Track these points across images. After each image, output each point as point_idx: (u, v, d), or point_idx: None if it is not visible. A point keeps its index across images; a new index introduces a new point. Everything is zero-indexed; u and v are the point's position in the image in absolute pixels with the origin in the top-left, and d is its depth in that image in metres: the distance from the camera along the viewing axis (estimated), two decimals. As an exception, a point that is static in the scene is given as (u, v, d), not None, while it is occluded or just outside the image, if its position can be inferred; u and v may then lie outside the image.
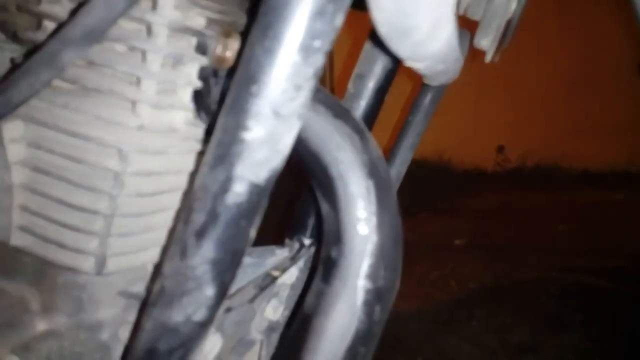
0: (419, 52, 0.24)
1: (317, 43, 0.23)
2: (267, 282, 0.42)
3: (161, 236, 0.35)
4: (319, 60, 0.24)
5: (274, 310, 0.46)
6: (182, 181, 0.34)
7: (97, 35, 0.22)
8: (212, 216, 0.25)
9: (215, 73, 0.32)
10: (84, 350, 0.36)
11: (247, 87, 0.24)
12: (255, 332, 0.44)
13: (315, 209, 0.50)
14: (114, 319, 0.37)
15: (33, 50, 0.30)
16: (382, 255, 0.30)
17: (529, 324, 1.58)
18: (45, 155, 0.29)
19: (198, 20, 0.30)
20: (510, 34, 0.48)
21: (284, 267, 0.44)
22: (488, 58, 0.48)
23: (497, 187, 3.44)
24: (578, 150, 3.21)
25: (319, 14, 0.23)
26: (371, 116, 0.50)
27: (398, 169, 0.60)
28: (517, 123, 3.33)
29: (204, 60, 0.31)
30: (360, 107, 0.49)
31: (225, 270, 0.26)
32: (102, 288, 0.36)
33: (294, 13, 0.22)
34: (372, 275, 0.30)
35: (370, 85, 0.48)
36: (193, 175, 0.35)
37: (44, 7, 0.29)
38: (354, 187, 0.31)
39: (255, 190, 0.25)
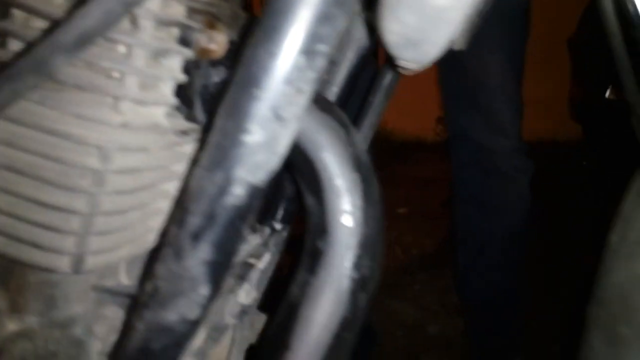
0: (420, 59, 0.25)
1: (321, 47, 0.23)
2: (246, 271, 0.42)
3: (137, 233, 0.34)
4: (322, 63, 0.24)
5: (246, 294, 0.46)
6: (161, 176, 0.33)
7: (90, 40, 0.21)
8: (209, 218, 0.25)
9: (197, 65, 0.31)
10: (59, 348, 0.35)
11: (249, 90, 0.23)
12: (229, 317, 0.45)
13: (285, 195, 0.50)
14: (86, 314, 0.36)
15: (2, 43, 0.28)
16: (366, 246, 0.32)
17: (467, 286, 1.70)
18: (18, 154, 0.27)
19: (181, 11, 0.28)
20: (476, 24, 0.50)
21: (259, 254, 0.45)
22: (457, 46, 0.50)
23: (436, 156, 3.57)
24: (510, 121, 3.39)
25: (324, 18, 0.22)
26: (343, 103, 0.50)
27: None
28: (455, 95, 3.46)
29: (187, 53, 0.30)
30: (332, 93, 0.49)
31: (220, 270, 0.26)
32: (74, 284, 0.35)
33: (300, 17, 0.22)
34: (357, 266, 0.31)
35: (343, 72, 0.48)
36: (170, 170, 0.34)
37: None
38: (339, 181, 0.32)
39: (253, 192, 0.25)
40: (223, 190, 0.24)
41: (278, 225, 0.50)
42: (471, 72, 1.11)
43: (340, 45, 0.47)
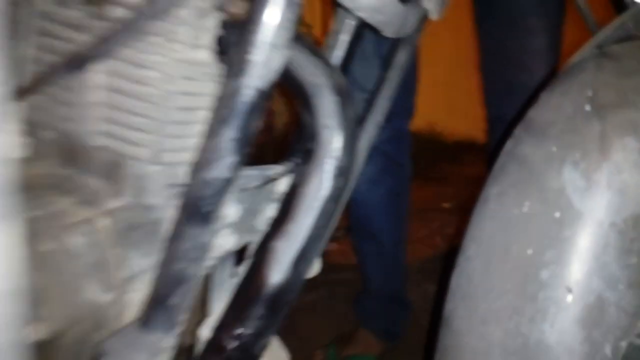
0: (354, 4, 0.39)
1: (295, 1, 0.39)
2: (267, 180, 0.57)
3: (196, 142, 0.51)
4: (295, 10, 0.39)
5: (274, 210, 0.62)
6: (209, 101, 0.50)
7: (164, 14, 0.38)
8: (232, 110, 0.40)
9: (228, 25, 0.48)
10: (142, 222, 0.52)
11: (252, 28, 0.39)
12: (260, 227, 0.60)
13: (303, 137, 0.65)
14: (162, 203, 0.53)
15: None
16: (343, 145, 0.46)
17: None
18: (121, 82, 0.45)
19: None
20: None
21: (279, 174, 0.60)
22: (433, 16, 0.63)
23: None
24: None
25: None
26: (345, 62, 0.65)
27: (377, 117, 0.75)
28: (506, 94, 3.46)
29: (222, 16, 0.46)
30: (336, 56, 0.64)
31: (241, 145, 0.42)
32: (154, 180, 0.52)
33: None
34: (336, 156, 0.46)
35: (343, 38, 0.63)
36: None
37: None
38: (325, 101, 0.47)
39: (258, 94, 0.40)
40: (239, 91, 0.40)
41: (298, 161, 0.65)
42: (513, 54, 1.21)
43: (340, 18, 0.62)
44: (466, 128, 3.73)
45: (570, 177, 0.32)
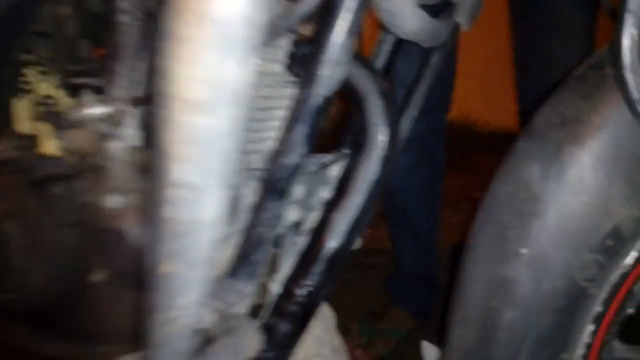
0: (396, 29, 0.51)
1: (354, 28, 0.50)
2: (322, 166, 0.70)
3: (272, 135, 0.64)
4: (355, 34, 0.51)
5: (327, 192, 0.74)
6: (282, 103, 0.63)
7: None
8: (304, 111, 0.53)
9: (297, 43, 0.60)
10: (226, 199, 0.65)
11: (322, 50, 0.51)
12: (315, 204, 0.73)
13: (349, 130, 0.77)
14: (242, 184, 0.66)
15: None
16: (388, 138, 0.58)
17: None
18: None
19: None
20: (479, 9, 0.74)
21: (332, 162, 0.73)
22: (464, 28, 0.74)
23: (521, 147, 3.58)
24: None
25: (358, 13, 0.50)
26: (387, 68, 0.77)
27: (413, 112, 0.87)
28: (542, 85, 3.46)
29: (292, 36, 0.58)
30: (380, 63, 0.76)
31: (310, 138, 0.54)
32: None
33: (345, 18, 0.50)
34: (382, 147, 0.58)
35: (387, 48, 0.75)
36: (285, 102, 0.63)
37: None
38: (373, 104, 0.59)
39: (324, 100, 0.53)
40: (311, 98, 0.52)
41: (345, 151, 0.78)
42: (549, 50, 1.28)
43: (385, 31, 0.73)
44: (501, 119, 3.75)
45: (535, 170, 0.46)
